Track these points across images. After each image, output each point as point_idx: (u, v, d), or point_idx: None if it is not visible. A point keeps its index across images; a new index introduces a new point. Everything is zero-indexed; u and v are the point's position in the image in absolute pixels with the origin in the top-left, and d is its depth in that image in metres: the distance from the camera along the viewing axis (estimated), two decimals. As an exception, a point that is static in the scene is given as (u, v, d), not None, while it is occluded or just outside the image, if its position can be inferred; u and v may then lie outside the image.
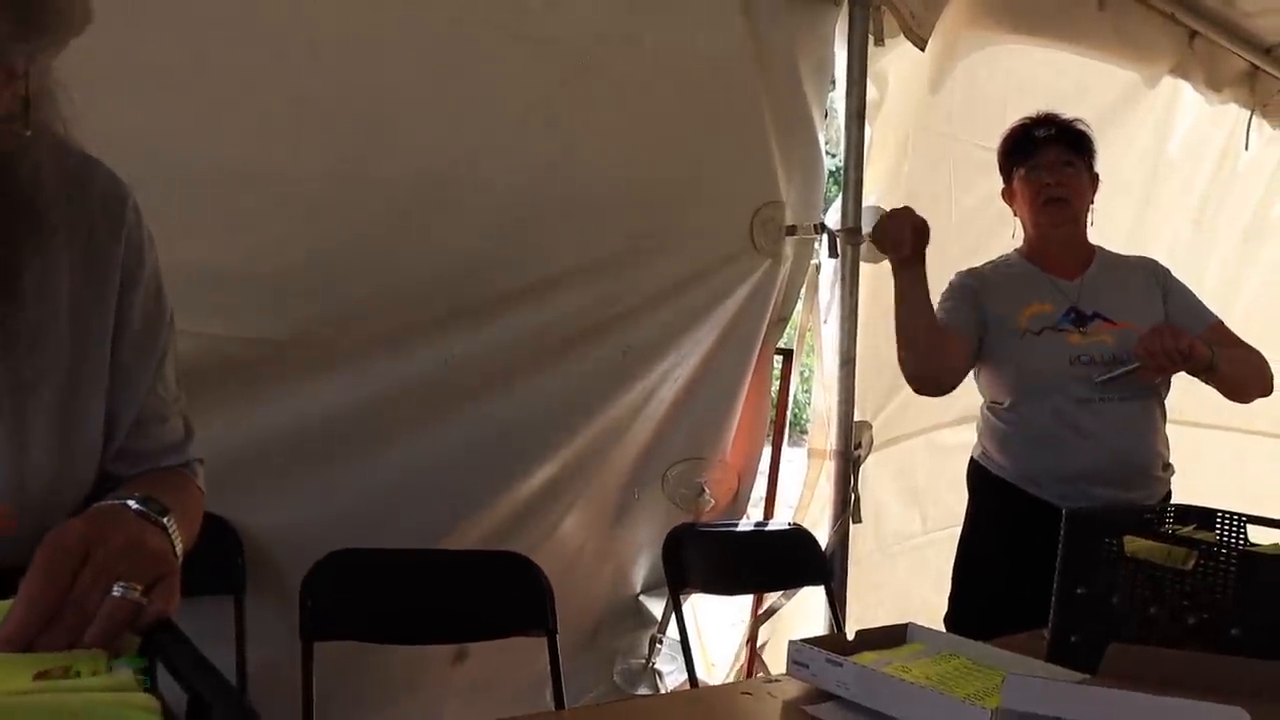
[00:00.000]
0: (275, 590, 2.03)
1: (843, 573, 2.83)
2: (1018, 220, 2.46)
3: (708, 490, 2.75)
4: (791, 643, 1.54)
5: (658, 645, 2.82)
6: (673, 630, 2.64)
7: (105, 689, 0.73)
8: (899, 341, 2.32)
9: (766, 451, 2.98)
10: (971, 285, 2.40)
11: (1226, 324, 2.36)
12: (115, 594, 0.78)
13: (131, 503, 0.88)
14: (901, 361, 2.34)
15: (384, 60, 2.02)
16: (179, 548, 0.91)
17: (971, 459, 2.47)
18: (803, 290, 2.93)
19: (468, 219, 2.19)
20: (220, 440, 1.84)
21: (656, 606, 2.82)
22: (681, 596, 2.48)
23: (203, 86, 1.82)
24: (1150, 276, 2.40)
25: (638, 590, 2.83)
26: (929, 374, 2.36)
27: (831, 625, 2.62)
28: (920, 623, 1.71)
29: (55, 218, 0.90)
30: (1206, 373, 2.19)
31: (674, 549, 2.44)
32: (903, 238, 2.21)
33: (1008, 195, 2.45)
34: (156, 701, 0.72)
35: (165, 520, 0.89)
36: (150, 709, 0.71)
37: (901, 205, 2.31)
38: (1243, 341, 2.33)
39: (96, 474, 1.00)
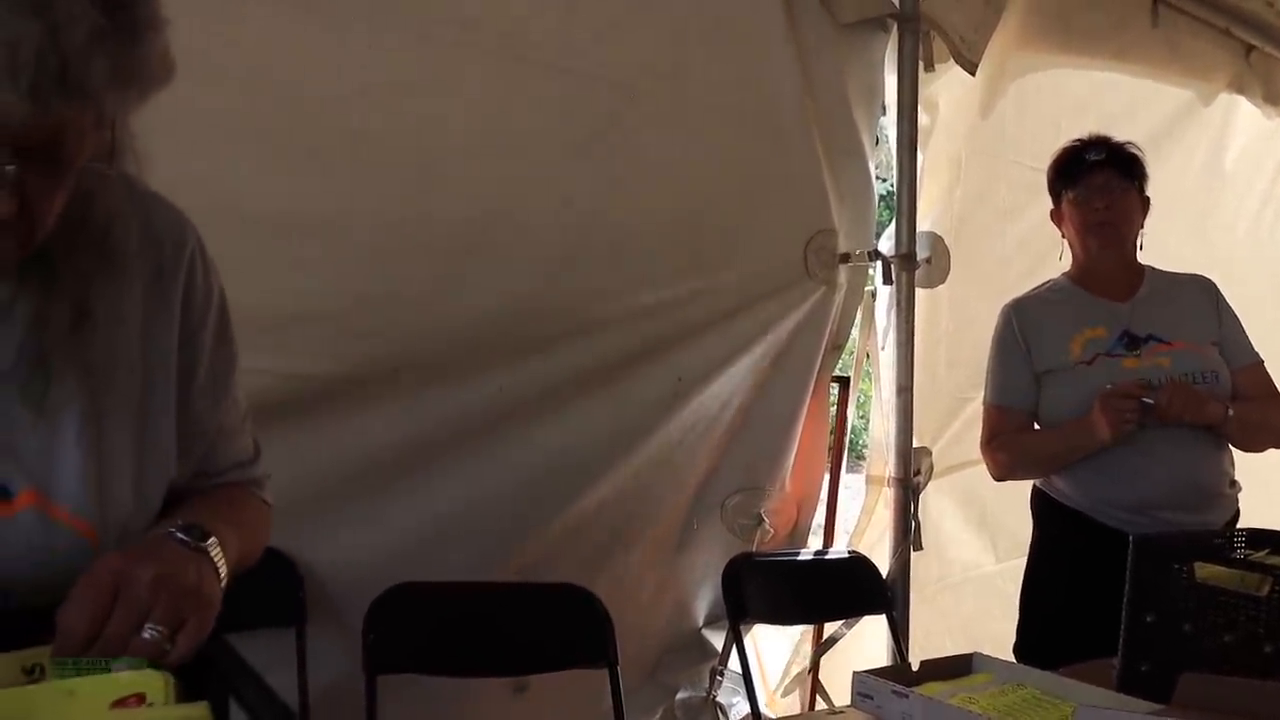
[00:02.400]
0: (335, 622, 2.05)
1: (905, 602, 2.79)
2: (1065, 242, 2.43)
3: (767, 520, 2.73)
4: (856, 674, 1.53)
5: (718, 678, 2.80)
6: (734, 663, 2.62)
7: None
8: (1033, 459, 2.37)
9: (825, 479, 2.96)
10: (1017, 337, 2.35)
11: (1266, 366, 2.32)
12: (144, 635, 0.80)
13: (175, 531, 0.90)
14: (1009, 467, 2.39)
15: (435, 100, 2.06)
16: (223, 571, 0.92)
17: (1034, 486, 2.43)
18: (858, 317, 2.92)
19: (518, 254, 2.21)
20: (279, 475, 1.86)
21: (718, 639, 2.79)
22: (742, 628, 2.46)
23: (258, 132, 1.86)
24: (1204, 294, 2.36)
25: (699, 623, 2.81)
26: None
27: (894, 655, 2.58)
28: (989, 653, 1.68)
29: (126, 253, 0.93)
30: (1216, 427, 2.18)
31: (733, 579, 2.43)
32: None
33: (1056, 217, 2.42)
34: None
35: (206, 544, 0.91)
36: None
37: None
38: (1273, 390, 2.31)
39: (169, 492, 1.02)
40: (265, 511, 1.13)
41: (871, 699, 1.48)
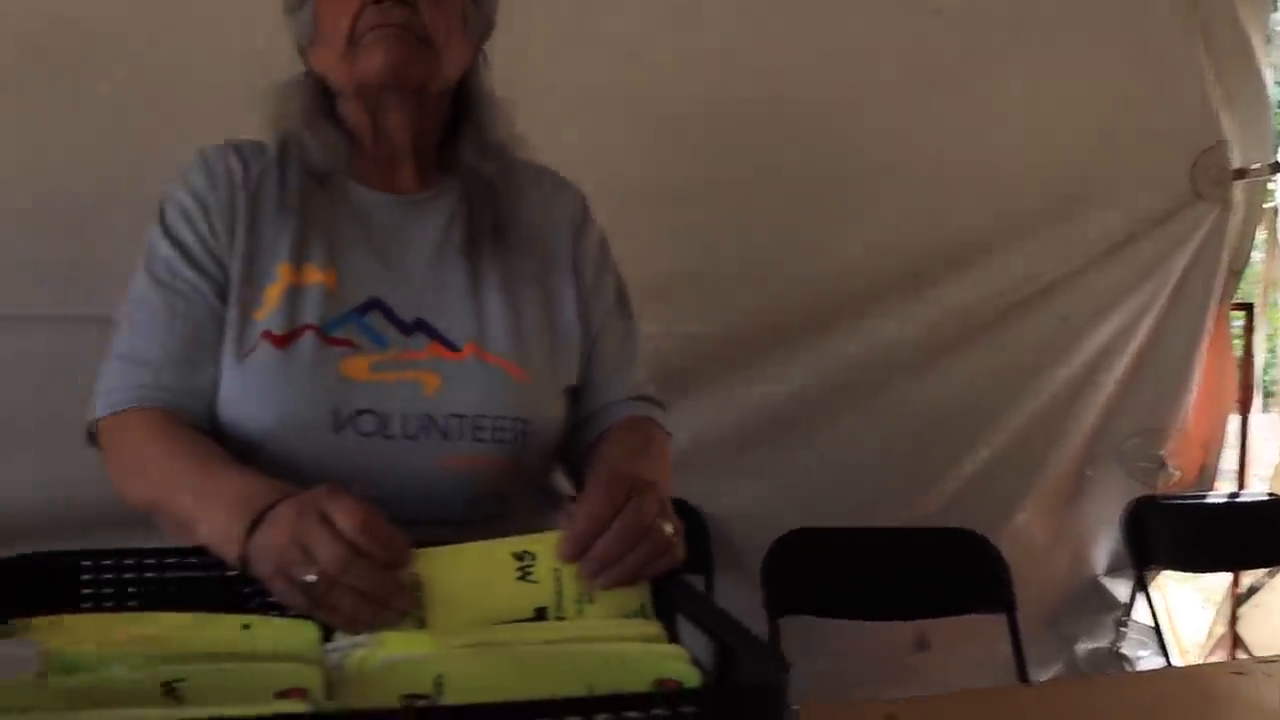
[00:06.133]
0: (737, 568, 2.15)
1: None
2: None
3: (1169, 463, 2.57)
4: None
5: (1122, 629, 2.66)
6: (1139, 613, 2.49)
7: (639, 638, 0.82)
8: None
9: (1235, 419, 2.73)
10: None
11: None
12: (666, 528, 0.88)
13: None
14: None
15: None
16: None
17: None
18: (1259, 238, 2.67)
19: (883, 198, 2.23)
20: (680, 432, 1.99)
21: (1118, 589, 2.67)
22: (1148, 575, 2.34)
23: (619, 104, 2.01)
24: None
25: (1098, 572, 2.69)
26: None
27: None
28: None
29: (524, 180, 1.20)
30: None
31: (1137, 524, 2.32)
32: None
33: None
34: (684, 651, 0.79)
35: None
36: (681, 658, 0.79)
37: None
38: None
39: (579, 378, 1.19)
40: (667, 442, 1.22)
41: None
